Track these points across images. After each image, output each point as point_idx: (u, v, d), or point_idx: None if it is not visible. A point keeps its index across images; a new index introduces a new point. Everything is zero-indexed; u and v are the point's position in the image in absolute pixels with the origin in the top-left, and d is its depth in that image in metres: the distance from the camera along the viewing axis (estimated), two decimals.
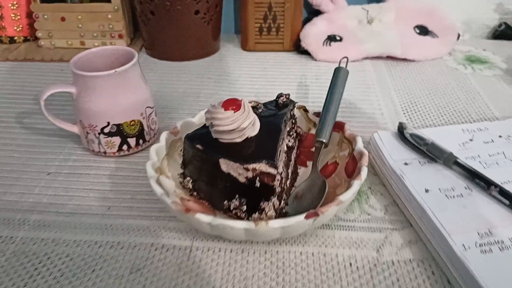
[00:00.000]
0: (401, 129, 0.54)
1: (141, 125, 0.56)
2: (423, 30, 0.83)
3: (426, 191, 0.46)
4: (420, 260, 0.42)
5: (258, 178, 0.41)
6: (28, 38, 0.88)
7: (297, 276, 0.40)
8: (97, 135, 0.54)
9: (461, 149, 0.52)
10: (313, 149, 0.52)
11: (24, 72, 0.78)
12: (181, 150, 0.48)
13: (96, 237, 0.45)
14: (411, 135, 0.52)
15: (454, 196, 0.45)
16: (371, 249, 0.43)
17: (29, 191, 0.51)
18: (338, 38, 0.82)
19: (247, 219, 0.43)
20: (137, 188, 0.51)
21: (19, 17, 0.85)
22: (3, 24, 0.85)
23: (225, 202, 0.44)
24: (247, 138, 0.43)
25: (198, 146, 0.43)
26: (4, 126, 0.63)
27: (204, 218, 0.38)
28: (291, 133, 0.49)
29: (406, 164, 0.50)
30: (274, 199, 0.41)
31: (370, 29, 0.83)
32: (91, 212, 0.48)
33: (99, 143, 0.55)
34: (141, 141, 0.56)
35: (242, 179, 0.41)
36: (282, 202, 0.44)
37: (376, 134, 0.54)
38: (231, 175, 0.42)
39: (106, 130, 0.54)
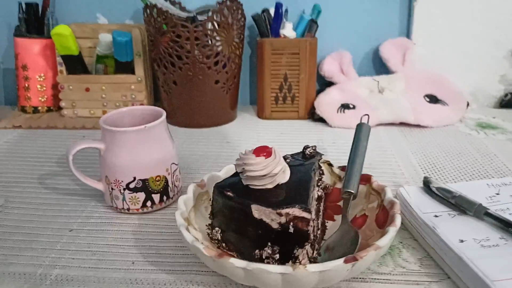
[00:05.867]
0: (427, 184, 0.54)
1: (166, 181, 0.56)
2: (433, 99, 0.86)
3: (461, 241, 0.45)
4: None
5: (291, 223, 0.40)
6: (51, 108, 0.91)
7: None
8: (122, 191, 0.54)
9: (489, 202, 0.51)
10: (340, 203, 0.51)
11: (47, 138, 0.80)
12: (208, 202, 0.48)
13: None
14: (437, 188, 0.52)
15: (490, 246, 0.44)
16: None
17: (50, 247, 0.50)
18: (351, 106, 0.85)
19: None
20: (161, 244, 0.50)
21: (44, 88, 0.89)
22: (28, 94, 0.89)
23: (257, 251, 0.42)
24: (278, 184, 0.43)
25: (229, 193, 0.43)
26: (26, 187, 0.63)
27: (238, 263, 0.37)
28: (319, 184, 0.49)
29: (436, 216, 0.49)
30: (308, 246, 0.40)
31: (381, 98, 0.86)
32: (115, 267, 0.46)
33: (123, 199, 0.54)
34: (164, 198, 0.56)
35: (275, 225, 0.41)
36: (315, 252, 0.43)
37: (402, 189, 0.54)
38: (263, 221, 0.41)
39: (132, 186, 0.54)
